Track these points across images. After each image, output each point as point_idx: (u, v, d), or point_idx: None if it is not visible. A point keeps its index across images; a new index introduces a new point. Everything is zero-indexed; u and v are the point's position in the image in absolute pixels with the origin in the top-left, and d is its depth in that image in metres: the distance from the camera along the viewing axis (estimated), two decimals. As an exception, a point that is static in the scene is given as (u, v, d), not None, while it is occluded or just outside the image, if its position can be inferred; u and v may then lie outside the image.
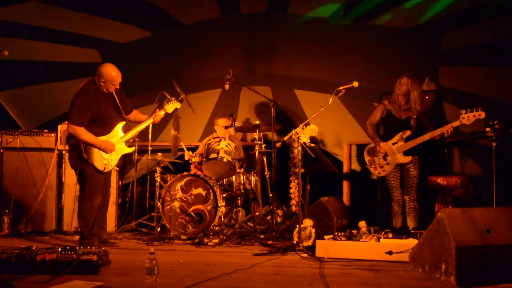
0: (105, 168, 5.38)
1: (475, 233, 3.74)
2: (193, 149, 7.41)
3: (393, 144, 5.67)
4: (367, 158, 5.88)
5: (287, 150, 7.06)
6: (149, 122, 5.71)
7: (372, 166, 5.83)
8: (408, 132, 5.61)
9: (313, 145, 5.89)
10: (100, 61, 5.46)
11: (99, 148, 5.33)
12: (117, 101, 5.51)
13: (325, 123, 7.31)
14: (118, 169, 5.69)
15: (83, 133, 5.25)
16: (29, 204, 6.56)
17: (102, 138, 5.38)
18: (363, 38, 7.43)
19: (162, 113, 5.75)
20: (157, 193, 6.31)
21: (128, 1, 7.41)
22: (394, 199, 5.76)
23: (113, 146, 5.43)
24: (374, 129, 5.93)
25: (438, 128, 5.43)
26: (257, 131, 6.99)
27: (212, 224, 6.02)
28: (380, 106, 5.89)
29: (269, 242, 5.76)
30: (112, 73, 5.37)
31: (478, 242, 3.69)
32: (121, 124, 5.56)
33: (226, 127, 7.21)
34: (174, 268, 4.28)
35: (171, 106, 5.86)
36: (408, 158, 5.58)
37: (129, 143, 5.65)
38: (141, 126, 5.67)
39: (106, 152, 5.38)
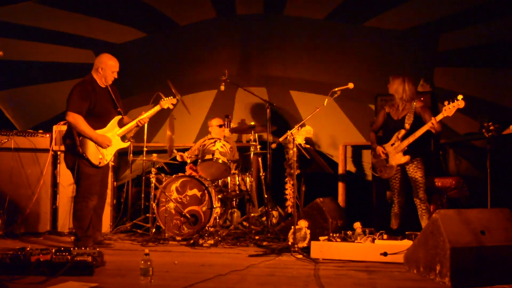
0: (100, 162, 5.34)
1: (470, 234, 3.75)
2: (186, 150, 7.40)
3: (392, 145, 5.65)
4: (372, 161, 5.85)
5: (282, 151, 7.06)
6: (135, 122, 5.62)
7: (377, 170, 5.80)
8: (403, 131, 5.55)
9: (308, 146, 5.90)
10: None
11: (96, 142, 5.31)
12: (113, 96, 5.50)
13: (320, 125, 7.32)
14: (113, 164, 5.66)
15: (82, 123, 5.22)
16: (23, 205, 6.52)
17: (99, 132, 5.37)
18: (358, 39, 7.43)
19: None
20: (152, 194, 6.29)
21: (123, 2, 7.41)
22: (395, 201, 5.73)
23: (110, 141, 5.40)
24: (375, 135, 5.90)
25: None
26: (253, 132, 6.99)
27: (207, 225, 6.02)
28: (381, 111, 5.89)
29: (264, 243, 5.76)
30: (110, 60, 5.45)
31: (473, 243, 3.69)
32: (117, 119, 5.54)
33: (220, 126, 7.21)
34: (169, 269, 4.27)
35: (167, 101, 5.83)
36: (406, 158, 5.51)
37: (126, 138, 5.62)
38: (134, 122, 5.63)
39: (102, 147, 5.35)
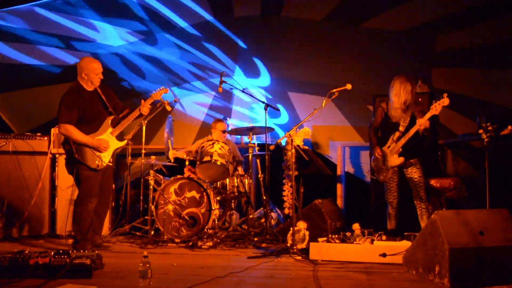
0: (98, 165, 5.36)
1: (468, 235, 3.75)
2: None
3: (388, 147, 5.64)
4: (372, 164, 5.83)
5: (280, 152, 7.07)
6: (137, 113, 5.60)
7: (375, 172, 5.78)
8: (397, 134, 5.52)
9: (306, 147, 5.90)
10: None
11: (92, 147, 5.32)
12: (103, 97, 5.48)
13: (318, 126, 7.32)
14: (111, 164, 5.65)
15: (75, 132, 5.25)
16: (22, 208, 6.51)
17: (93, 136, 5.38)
18: (356, 40, 7.43)
19: (149, 102, 5.66)
20: (151, 196, 6.29)
21: (121, 4, 7.39)
22: (387, 201, 5.73)
23: (106, 143, 5.41)
24: (376, 137, 5.85)
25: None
26: (251, 134, 6.99)
27: (206, 227, 6.02)
28: (378, 109, 5.81)
29: (263, 245, 5.76)
30: (92, 63, 5.43)
31: (471, 244, 3.70)
32: (109, 119, 5.54)
33: (224, 131, 7.23)
34: (168, 271, 4.27)
35: (159, 92, 5.80)
36: (401, 159, 5.50)
37: (120, 137, 5.61)
38: (130, 119, 5.61)
39: (100, 151, 5.36)
